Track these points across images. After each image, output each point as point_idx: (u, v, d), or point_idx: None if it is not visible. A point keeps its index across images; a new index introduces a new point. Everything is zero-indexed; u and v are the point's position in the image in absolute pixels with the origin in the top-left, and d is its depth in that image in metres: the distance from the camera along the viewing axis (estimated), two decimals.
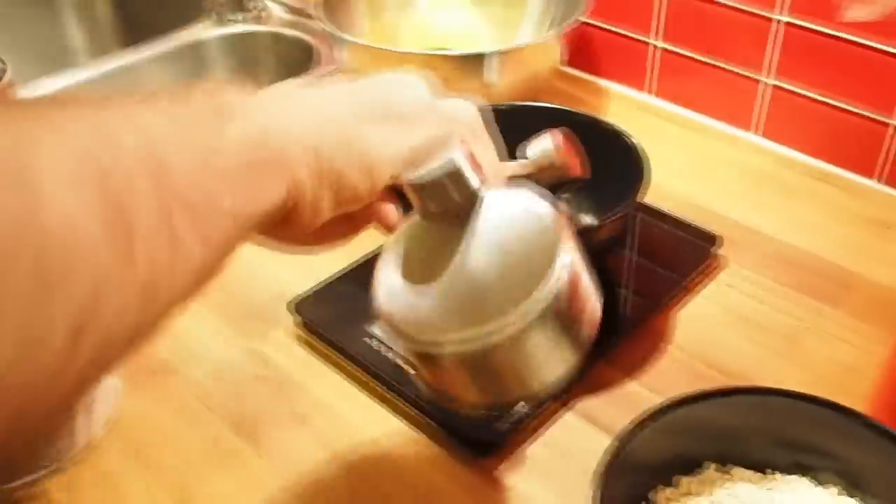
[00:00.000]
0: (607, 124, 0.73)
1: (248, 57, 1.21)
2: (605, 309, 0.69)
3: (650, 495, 0.52)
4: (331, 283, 0.71)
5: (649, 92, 0.98)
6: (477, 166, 0.42)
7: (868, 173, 0.84)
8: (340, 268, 0.73)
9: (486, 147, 0.47)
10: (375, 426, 0.62)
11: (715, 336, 0.68)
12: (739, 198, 0.83)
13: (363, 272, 0.72)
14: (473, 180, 0.42)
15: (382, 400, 0.63)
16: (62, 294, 0.27)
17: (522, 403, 0.60)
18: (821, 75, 0.83)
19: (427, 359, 0.43)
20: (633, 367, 0.65)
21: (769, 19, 0.84)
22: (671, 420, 0.52)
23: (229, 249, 0.36)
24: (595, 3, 0.93)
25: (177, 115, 0.35)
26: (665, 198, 0.80)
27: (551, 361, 0.43)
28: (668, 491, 0.52)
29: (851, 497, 0.51)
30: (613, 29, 0.98)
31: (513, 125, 0.74)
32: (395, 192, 0.44)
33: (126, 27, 1.37)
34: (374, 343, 0.65)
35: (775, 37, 0.84)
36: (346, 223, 0.45)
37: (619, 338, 0.67)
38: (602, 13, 0.97)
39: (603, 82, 1.02)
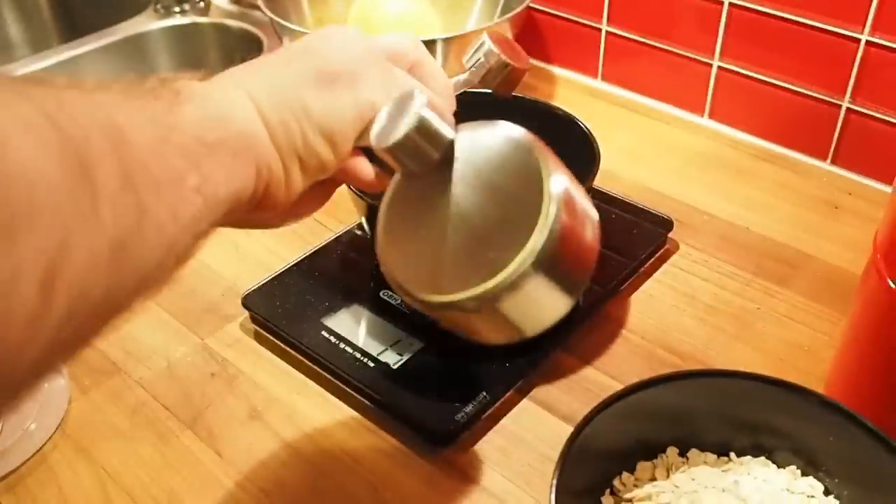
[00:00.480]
0: (558, 110, 0.72)
1: (193, 49, 1.19)
2: None
3: (612, 480, 0.52)
4: (281, 275, 0.70)
5: (599, 77, 0.98)
6: (440, 112, 0.42)
7: (818, 154, 0.84)
8: (290, 260, 0.72)
9: (434, 74, 0.47)
10: (331, 420, 0.61)
11: (669, 319, 0.68)
12: (690, 180, 0.83)
13: (314, 263, 0.71)
14: (443, 128, 0.41)
15: (337, 393, 0.62)
16: (28, 237, 0.28)
17: (483, 393, 0.60)
18: (770, 57, 0.84)
19: (443, 314, 0.42)
20: (588, 354, 0.65)
21: (718, 2, 0.84)
22: (628, 406, 0.52)
23: (202, 231, 0.36)
24: None
25: (133, 95, 0.35)
26: (617, 182, 0.80)
27: (566, 287, 0.41)
28: (629, 476, 0.52)
29: (808, 475, 0.52)
30: (562, 15, 0.97)
31: (463, 114, 0.74)
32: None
33: (65, 20, 1.33)
34: (328, 335, 0.64)
35: (723, 19, 0.85)
36: (319, 189, 0.45)
37: (574, 325, 0.66)
38: None
39: (553, 69, 1.02)
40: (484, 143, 0.42)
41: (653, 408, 0.53)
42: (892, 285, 0.51)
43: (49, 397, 0.61)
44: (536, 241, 0.38)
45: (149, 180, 0.33)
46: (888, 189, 0.81)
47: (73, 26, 1.30)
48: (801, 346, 0.66)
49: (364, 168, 0.44)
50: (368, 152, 0.44)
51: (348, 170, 0.44)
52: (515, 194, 0.40)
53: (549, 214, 0.38)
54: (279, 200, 0.41)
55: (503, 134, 0.42)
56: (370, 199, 0.63)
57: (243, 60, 1.12)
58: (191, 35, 1.18)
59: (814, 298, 0.70)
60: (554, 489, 0.46)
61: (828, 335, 0.67)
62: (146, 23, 1.17)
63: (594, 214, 0.44)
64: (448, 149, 0.42)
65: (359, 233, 0.75)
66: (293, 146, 0.40)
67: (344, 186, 0.64)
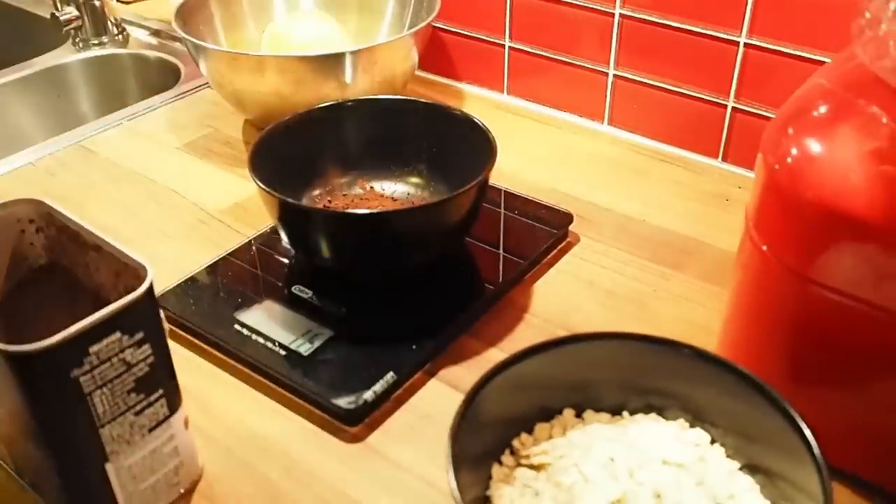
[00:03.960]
0: (456, 111, 0.76)
1: (112, 80, 1.21)
2: (467, 285, 0.73)
3: (514, 443, 0.54)
4: (195, 277, 0.72)
5: (504, 91, 1.02)
6: None
7: (710, 153, 0.90)
8: (204, 262, 0.74)
9: None
10: (245, 408, 0.62)
11: (569, 303, 0.72)
12: (591, 181, 0.87)
13: (228, 264, 0.73)
14: None
15: (250, 382, 0.64)
16: None
17: (391, 373, 0.62)
18: (660, 64, 0.89)
19: None
20: (494, 337, 0.68)
21: (610, 14, 0.89)
22: (518, 373, 0.54)
23: None
24: (446, 7, 0.97)
25: None
26: (521, 184, 0.84)
27: None
28: (526, 437, 0.55)
29: (695, 427, 0.55)
30: (466, 32, 1.02)
31: (374, 119, 0.78)
32: None
33: None
34: (241, 328, 0.66)
35: (615, 30, 0.90)
36: None
37: (479, 312, 0.69)
38: (454, 17, 1.01)
39: (460, 85, 1.06)
40: None
41: (545, 375, 0.55)
42: (765, 249, 0.55)
43: None
44: None
45: None
46: None
47: None
48: (696, 323, 0.70)
49: None
50: None
51: None
52: None
53: None
54: None
55: None
56: (281, 197, 0.66)
57: (162, 89, 1.14)
58: (110, 66, 1.20)
59: (706, 280, 0.74)
60: (450, 457, 0.47)
61: (719, 311, 0.70)
62: (65, 55, 1.18)
63: None
64: None
65: (272, 235, 0.77)
66: None
67: (256, 188, 0.66)
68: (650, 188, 0.87)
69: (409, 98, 0.80)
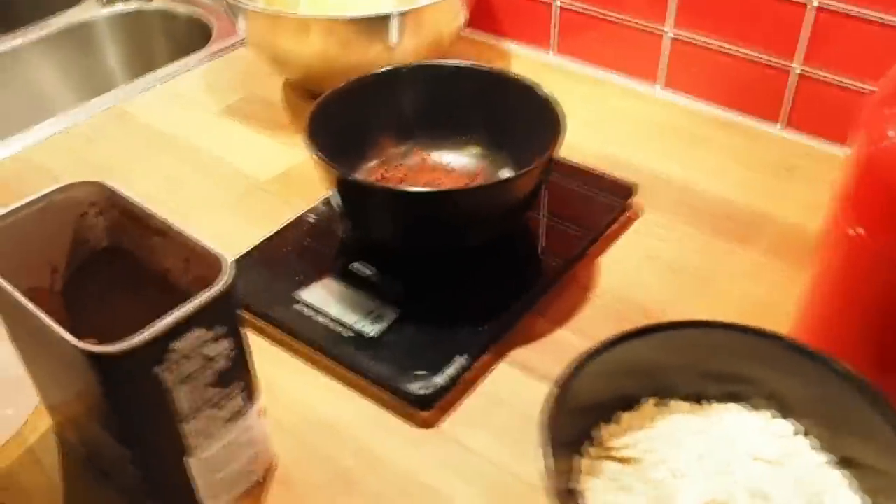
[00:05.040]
0: (518, 78, 0.73)
1: (139, 37, 1.17)
2: (530, 263, 0.71)
3: (593, 432, 0.53)
4: (250, 253, 0.70)
5: (553, 51, 0.99)
6: None
7: (770, 118, 0.87)
8: (258, 237, 0.71)
9: None
10: (311, 390, 0.61)
11: (634, 280, 0.70)
12: (646, 148, 0.85)
13: (283, 239, 0.71)
14: None
15: (315, 364, 0.63)
16: None
17: (462, 356, 0.60)
18: (721, 25, 0.85)
19: None
20: (560, 316, 0.66)
21: None
22: (605, 361, 0.52)
23: None
24: None
25: None
26: (576, 152, 0.81)
27: None
28: (611, 427, 0.53)
29: (780, 418, 0.53)
30: None
31: (431, 85, 0.75)
32: None
33: (2, 10, 1.30)
34: (302, 308, 0.64)
35: None
36: None
37: (545, 290, 0.67)
38: None
39: (506, 44, 1.03)
40: None
41: (629, 363, 0.54)
42: (857, 233, 0.53)
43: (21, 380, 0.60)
44: None
45: None
46: (840, 151, 0.83)
47: (8, 18, 1.27)
48: (763, 301, 0.68)
49: None
50: None
51: None
52: None
53: None
54: None
55: None
56: (344, 173, 0.64)
57: (192, 47, 1.11)
58: (136, 22, 1.17)
59: (773, 256, 0.72)
60: (547, 446, 0.46)
61: (788, 290, 0.68)
62: (88, 11, 1.15)
63: None
64: None
65: (324, 208, 0.75)
66: None
67: (312, 159, 0.64)
68: (709, 156, 0.84)
69: (468, 64, 0.76)
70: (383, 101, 0.75)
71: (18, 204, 0.51)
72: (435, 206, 0.63)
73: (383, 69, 0.74)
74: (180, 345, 0.45)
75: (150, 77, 0.98)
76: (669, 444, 0.51)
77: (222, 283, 0.46)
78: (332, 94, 0.71)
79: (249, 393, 0.51)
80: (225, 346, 0.47)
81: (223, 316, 0.47)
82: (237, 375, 0.49)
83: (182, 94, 0.96)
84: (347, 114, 0.72)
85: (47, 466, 0.56)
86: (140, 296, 0.56)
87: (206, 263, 0.49)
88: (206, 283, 0.50)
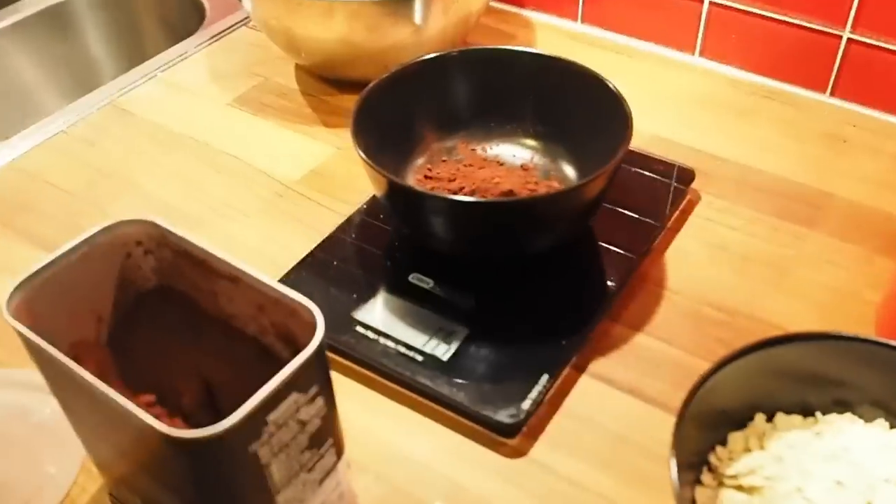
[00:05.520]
0: (581, 67, 0.67)
1: (124, 20, 1.09)
2: (595, 264, 0.66)
3: (710, 458, 0.49)
4: (296, 269, 0.64)
5: (579, 20, 0.93)
6: None
7: (816, 87, 0.82)
8: (302, 252, 0.66)
9: None
10: (387, 423, 0.56)
11: (705, 274, 0.66)
12: (693, 124, 0.80)
13: (329, 252, 0.66)
14: None
15: (387, 393, 0.58)
16: None
17: (545, 375, 0.56)
18: None
19: None
20: (636, 320, 0.62)
21: None
22: (716, 380, 0.49)
23: None
24: None
25: None
26: None
27: None
28: (722, 450, 0.50)
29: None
30: None
31: (477, 72, 0.70)
32: None
33: None
34: (363, 330, 0.59)
35: None
36: None
37: (617, 292, 0.63)
38: None
39: (528, 13, 0.97)
40: None
41: (735, 376, 0.50)
42: None
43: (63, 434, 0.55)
44: None
45: None
46: (893, 119, 0.80)
47: None
48: (841, 289, 0.64)
49: None
50: None
51: None
52: None
53: None
54: None
55: None
56: (399, 181, 0.58)
57: (184, 28, 1.03)
58: (120, 3, 1.08)
59: (843, 238, 0.68)
60: (674, 463, 0.43)
61: (864, 275, 0.65)
62: None
63: None
64: None
65: (366, 211, 0.69)
66: None
67: (363, 164, 0.59)
68: (757, 130, 0.80)
69: (518, 48, 0.70)
70: (429, 92, 0.69)
71: (59, 252, 0.45)
72: (510, 215, 0.58)
73: (430, 56, 0.68)
74: (275, 415, 0.40)
75: (146, 65, 0.91)
76: (796, 470, 0.47)
77: (318, 339, 0.41)
78: (376, 87, 0.66)
79: (339, 448, 0.46)
80: (319, 405, 0.42)
81: (318, 374, 0.42)
82: (328, 432, 0.45)
83: (185, 85, 0.89)
84: (392, 107, 0.67)
85: None
86: (196, 341, 0.51)
87: (286, 312, 0.44)
88: (284, 331, 0.45)
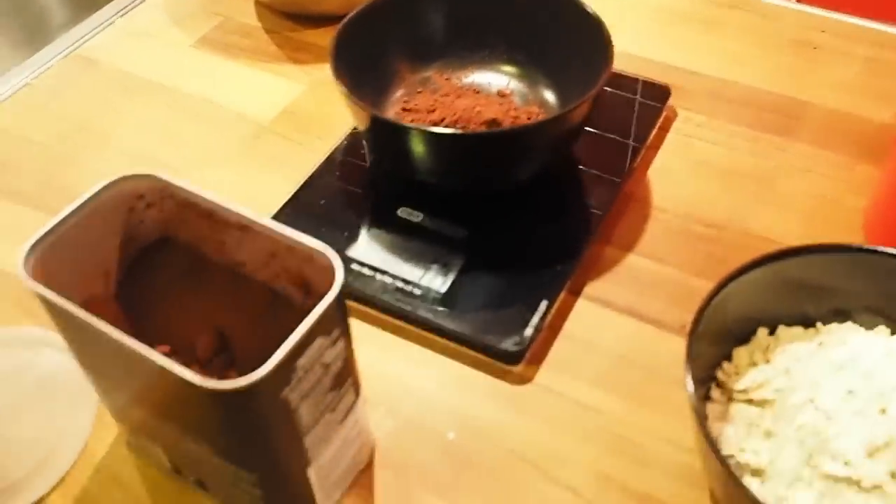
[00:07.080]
0: None
1: None
2: (580, 189, 0.67)
3: (717, 374, 0.51)
4: (283, 210, 0.64)
5: None
6: None
7: None
8: (287, 192, 0.66)
9: None
10: (393, 359, 0.57)
11: (691, 190, 0.67)
12: (662, 40, 0.80)
13: (314, 191, 0.66)
14: None
15: (388, 328, 0.58)
16: None
17: (544, 301, 0.57)
18: None
19: None
20: (626, 241, 0.63)
21: None
22: (720, 302, 0.50)
23: None
24: None
25: None
26: None
27: None
28: (729, 365, 0.51)
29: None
30: None
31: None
32: None
33: None
34: (359, 268, 0.60)
35: None
36: None
37: (604, 214, 0.64)
38: None
39: None
40: None
41: (743, 289, 0.51)
42: None
43: (72, 387, 0.55)
44: None
45: None
46: (862, 23, 0.80)
47: None
48: (825, 197, 0.66)
49: None
50: None
51: None
52: None
53: None
54: None
55: None
56: (383, 117, 0.58)
57: None
58: None
59: (822, 146, 0.69)
60: (690, 380, 0.44)
61: (846, 181, 0.67)
62: None
63: None
64: None
65: (347, 147, 0.69)
66: None
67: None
68: (726, 42, 0.80)
69: None
70: (401, 23, 0.68)
71: (67, 211, 0.45)
72: (500, 144, 0.58)
73: None
74: (303, 360, 0.40)
75: (101, 14, 0.88)
76: (805, 381, 0.48)
77: (339, 283, 0.41)
78: (349, 21, 0.64)
79: (357, 386, 0.47)
80: (340, 347, 0.43)
81: (339, 317, 0.42)
82: (349, 372, 0.45)
83: (145, 30, 0.86)
84: (366, 41, 0.66)
85: (127, 481, 0.52)
86: (205, 290, 0.50)
87: (301, 258, 0.44)
88: (299, 277, 0.45)
